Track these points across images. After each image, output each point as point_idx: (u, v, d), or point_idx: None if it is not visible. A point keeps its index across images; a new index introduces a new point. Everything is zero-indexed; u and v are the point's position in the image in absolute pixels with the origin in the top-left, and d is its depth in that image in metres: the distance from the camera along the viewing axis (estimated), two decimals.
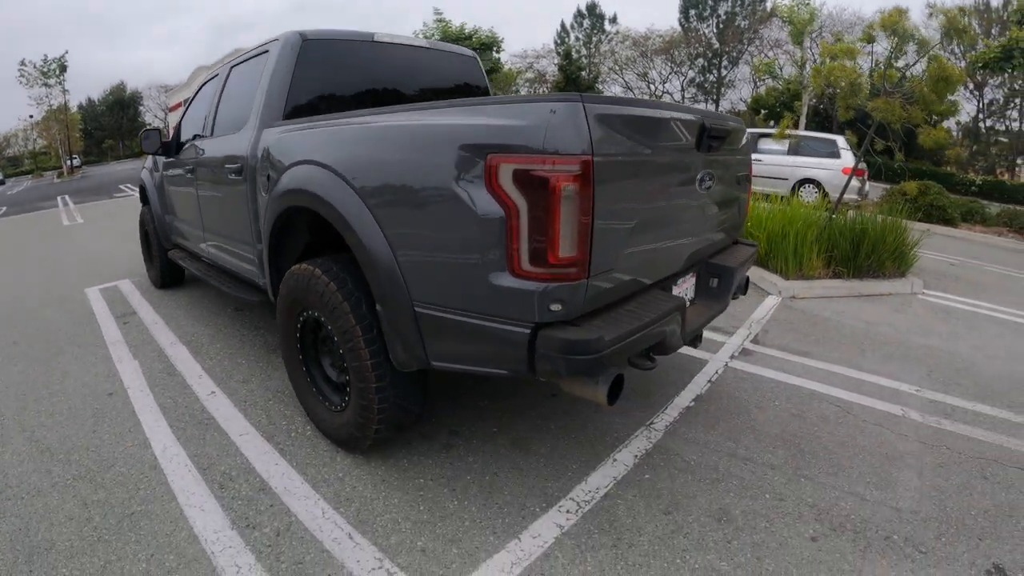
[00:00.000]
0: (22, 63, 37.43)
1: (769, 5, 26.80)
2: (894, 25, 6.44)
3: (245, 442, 3.18)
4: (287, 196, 3.02)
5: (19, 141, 67.33)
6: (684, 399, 3.78)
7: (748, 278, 3.65)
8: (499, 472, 2.97)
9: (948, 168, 23.83)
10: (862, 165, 12.04)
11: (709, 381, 4.05)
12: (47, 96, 45.98)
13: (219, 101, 4.46)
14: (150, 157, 5.97)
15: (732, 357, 4.49)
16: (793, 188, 12.83)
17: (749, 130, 14.09)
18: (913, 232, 7.21)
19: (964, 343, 5.14)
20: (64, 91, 46.62)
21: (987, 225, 13.25)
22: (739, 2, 42.70)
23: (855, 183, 12.12)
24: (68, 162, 48.02)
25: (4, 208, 21.52)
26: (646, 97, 43.98)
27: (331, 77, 3.82)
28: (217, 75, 4.76)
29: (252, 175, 3.48)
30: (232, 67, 4.44)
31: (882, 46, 7.44)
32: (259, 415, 3.47)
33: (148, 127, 5.83)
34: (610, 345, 2.11)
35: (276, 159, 3.22)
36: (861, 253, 6.69)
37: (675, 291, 2.96)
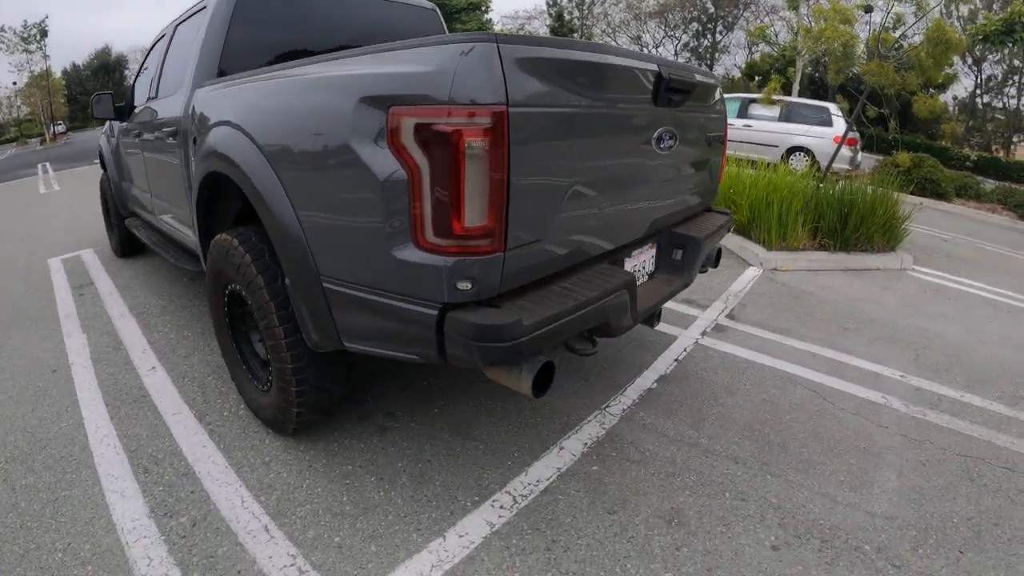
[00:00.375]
0: (1, 29, 36.01)
1: None
2: None
3: (176, 422, 2.97)
4: (207, 160, 2.77)
5: (3, 109, 65.34)
6: (647, 380, 3.43)
7: (720, 250, 3.28)
8: (433, 460, 2.69)
9: (943, 142, 23.37)
10: (854, 134, 11.66)
11: (676, 360, 3.69)
12: (28, 62, 44.56)
13: (163, 61, 4.19)
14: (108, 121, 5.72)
15: (704, 333, 4.14)
16: (783, 156, 12.43)
17: (740, 95, 13.70)
18: (905, 205, 6.84)
19: (954, 325, 4.82)
20: (45, 56, 45.23)
21: (981, 201, 12.91)
22: None
23: (846, 152, 11.72)
24: (52, 128, 46.60)
25: None
26: None
27: (273, 33, 3.52)
28: (164, 34, 4.46)
29: (185, 139, 3.23)
30: (177, 25, 4.15)
31: (881, 18, 6.97)
32: (195, 392, 3.25)
33: (100, 91, 5.48)
34: (531, 330, 1.77)
35: (201, 121, 2.99)
36: (849, 225, 6.32)
37: (629, 263, 2.60)
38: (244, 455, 2.69)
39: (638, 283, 2.72)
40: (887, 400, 3.41)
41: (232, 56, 3.30)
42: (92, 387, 3.36)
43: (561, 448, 2.78)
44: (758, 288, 5.26)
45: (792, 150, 12.47)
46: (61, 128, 50.71)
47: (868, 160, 13.98)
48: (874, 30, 6.96)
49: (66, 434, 2.92)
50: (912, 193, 10.92)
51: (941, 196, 12.38)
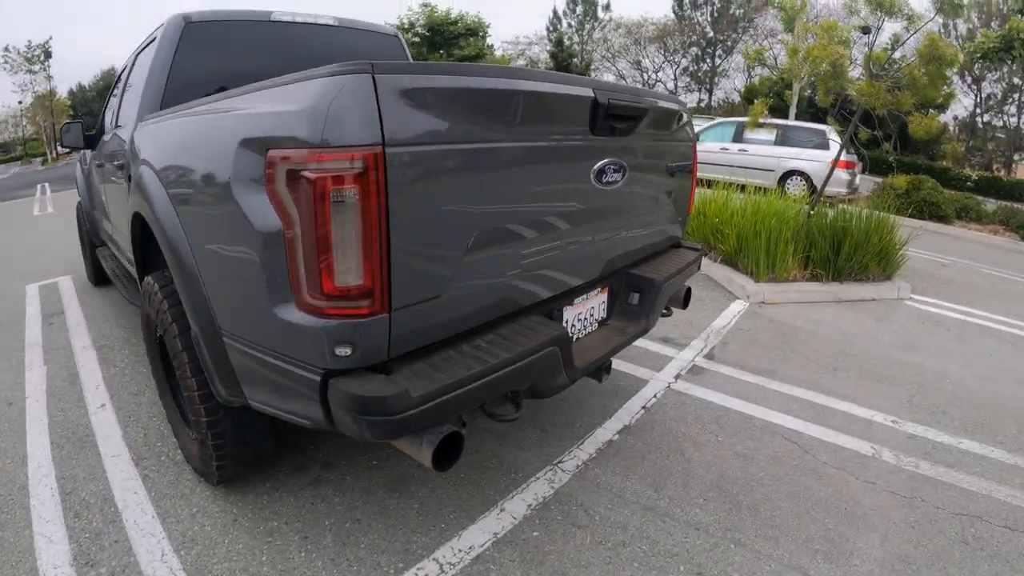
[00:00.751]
0: (5, 49, 36.73)
1: None
2: None
3: (113, 465, 2.86)
4: (133, 197, 2.69)
5: (9, 128, 66.28)
6: (608, 431, 3.13)
7: (689, 289, 3.01)
8: (363, 519, 2.46)
9: (944, 163, 23.08)
10: (852, 157, 11.41)
11: (643, 407, 3.39)
12: (31, 83, 45.20)
13: (123, 91, 4.12)
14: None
15: (678, 376, 3.84)
16: (780, 180, 12.17)
17: (735, 119, 13.48)
18: (903, 229, 6.55)
19: (953, 360, 4.51)
20: (48, 77, 45.97)
21: (982, 223, 12.57)
22: None
23: (844, 176, 11.46)
24: (55, 149, 47.01)
25: None
26: (637, 86, 43.24)
27: (222, 63, 3.42)
28: (126, 64, 4.42)
29: (128, 174, 3.11)
30: (137, 54, 4.06)
31: (872, 35, 6.73)
32: (137, 434, 3.12)
33: (69, 119, 5.39)
34: (421, 403, 1.53)
35: (134, 156, 2.90)
36: (842, 254, 6.01)
37: (572, 312, 2.34)
38: (173, 504, 2.55)
39: (585, 332, 2.46)
40: (876, 451, 3.10)
41: (177, 89, 3.17)
42: (42, 423, 3.28)
43: (502, 510, 2.50)
44: (743, 324, 4.96)
45: (788, 174, 12.21)
46: (66, 148, 51.37)
47: (868, 183, 13.70)
48: (866, 49, 6.73)
49: (8, 472, 2.83)
50: (911, 216, 10.64)
51: (941, 218, 12.07)
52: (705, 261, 6.54)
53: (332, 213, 1.45)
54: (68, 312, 5.18)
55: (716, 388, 3.69)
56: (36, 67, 44.44)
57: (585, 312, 2.42)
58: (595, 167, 2.15)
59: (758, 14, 34.89)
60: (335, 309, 1.52)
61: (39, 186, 21.83)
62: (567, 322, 2.32)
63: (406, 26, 29.41)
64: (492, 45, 38.37)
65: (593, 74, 40.13)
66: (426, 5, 28.93)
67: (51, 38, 49.02)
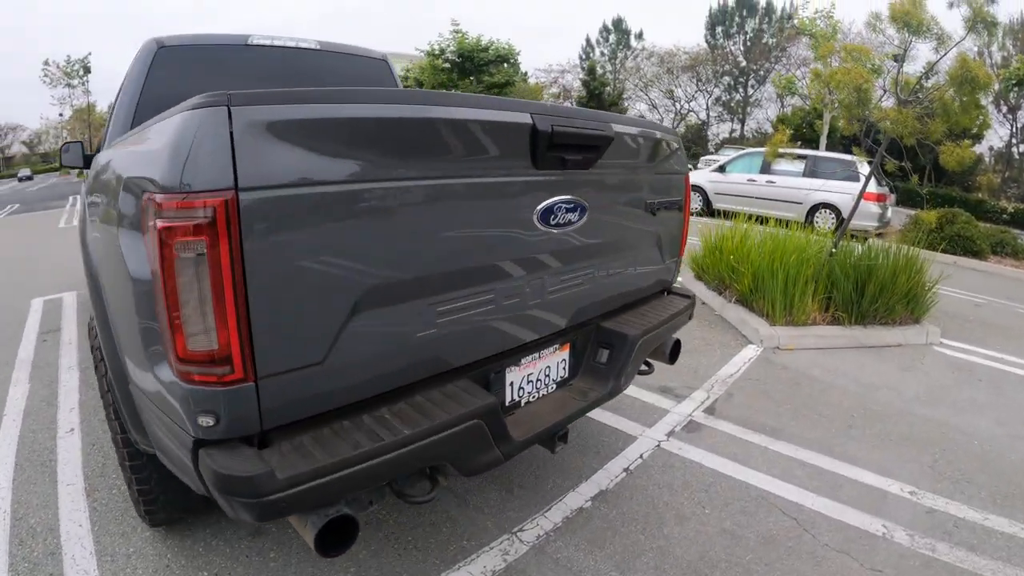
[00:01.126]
0: (45, 63, 37.98)
1: (797, 23, 25.53)
2: (906, 16, 5.33)
3: (66, 494, 2.83)
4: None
5: (50, 139, 68.78)
6: (581, 496, 2.81)
7: (678, 343, 2.70)
8: None
9: (979, 195, 22.25)
10: (884, 189, 10.94)
11: (625, 469, 3.06)
12: (69, 96, 46.78)
13: (112, 113, 4.15)
14: None
15: (670, 434, 3.48)
16: (808, 213, 11.74)
17: (762, 149, 13.12)
18: (934, 266, 6.08)
19: (984, 416, 4.07)
20: (87, 91, 47.51)
21: (1019, 258, 11.87)
22: (766, 19, 41.63)
23: (874, 209, 10.98)
24: None
25: (17, 206, 22.30)
26: (670, 116, 43.02)
27: (195, 88, 3.30)
28: (120, 85, 4.39)
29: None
30: (126, 75, 4.05)
31: (900, 56, 6.35)
32: (97, 462, 3.08)
33: (68, 139, 5.50)
34: (288, 486, 1.30)
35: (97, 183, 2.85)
36: (867, 295, 5.59)
37: (517, 373, 2.06)
38: (112, 541, 2.49)
39: (538, 396, 2.16)
40: (887, 530, 2.71)
41: (149, 114, 3.14)
42: (11, 444, 3.30)
43: None
44: (753, 372, 4.58)
45: (816, 207, 11.78)
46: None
47: (900, 215, 13.16)
48: (893, 74, 6.34)
49: None
50: (943, 251, 10.07)
51: (976, 254, 11.42)
52: (718, 301, 6.18)
53: (179, 269, 1.25)
54: (64, 329, 5.19)
55: (712, 448, 3.33)
56: (75, 81, 45.95)
57: (537, 373, 2.12)
58: (539, 207, 1.87)
59: (791, 43, 34.53)
60: (194, 375, 1.33)
61: (71, 197, 22.82)
62: (511, 385, 2.04)
63: (436, 52, 29.71)
64: (526, 72, 38.60)
65: (626, 103, 40.03)
66: (457, 31, 29.19)
67: (90, 54, 51.19)
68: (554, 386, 2.22)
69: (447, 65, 29.81)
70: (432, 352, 1.69)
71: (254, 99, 1.28)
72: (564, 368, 2.26)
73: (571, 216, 1.98)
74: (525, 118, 1.77)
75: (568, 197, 1.95)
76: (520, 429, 1.91)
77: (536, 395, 2.15)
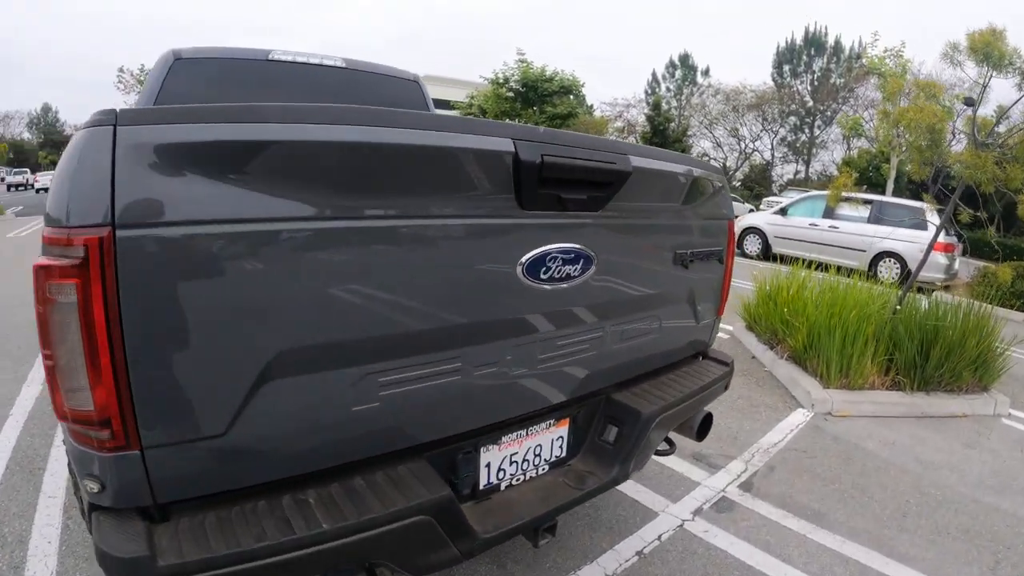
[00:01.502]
0: (120, 70, 39.77)
1: (865, 62, 24.73)
2: (987, 47, 4.86)
3: (45, 506, 2.80)
4: None
5: None
6: None
7: (709, 417, 2.36)
8: None
9: None
10: (952, 239, 10.25)
11: (638, 553, 2.70)
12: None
13: None
14: None
15: (697, 512, 3.10)
16: (871, 262, 11.11)
17: (825, 193, 12.56)
18: (1007, 325, 5.49)
19: None
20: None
21: None
22: (834, 59, 40.70)
23: (942, 260, 10.28)
24: None
25: None
26: (734, 155, 42.22)
27: (208, 101, 3.25)
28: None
29: None
30: (143, 86, 4.17)
31: (977, 95, 5.85)
32: None
33: None
34: (169, 574, 1.11)
35: None
36: (932, 359, 5.06)
37: (496, 453, 1.76)
38: (75, 565, 2.42)
39: (524, 478, 1.86)
40: None
41: None
42: (8, 445, 3.32)
43: None
44: (799, 442, 4.13)
45: (880, 255, 11.14)
46: None
47: (967, 266, 12.30)
48: (969, 115, 5.83)
49: None
50: (1017, 309, 9.28)
51: None
52: (769, 356, 5.74)
53: (50, 315, 1.09)
54: None
55: (743, 534, 2.94)
56: None
57: (524, 452, 1.83)
58: (525, 258, 1.57)
59: (859, 83, 33.46)
60: (79, 434, 1.18)
61: None
62: (487, 467, 1.74)
63: (500, 80, 29.97)
64: (591, 105, 38.49)
65: (690, 139, 39.39)
66: (522, 60, 29.40)
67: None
68: (546, 467, 1.92)
69: (511, 94, 30.04)
70: (375, 428, 1.42)
71: (146, 117, 1.10)
72: (561, 447, 1.95)
73: (570, 269, 1.68)
74: (505, 144, 1.46)
75: (567, 245, 1.66)
76: (492, 520, 1.62)
77: (521, 477, 1.86)
